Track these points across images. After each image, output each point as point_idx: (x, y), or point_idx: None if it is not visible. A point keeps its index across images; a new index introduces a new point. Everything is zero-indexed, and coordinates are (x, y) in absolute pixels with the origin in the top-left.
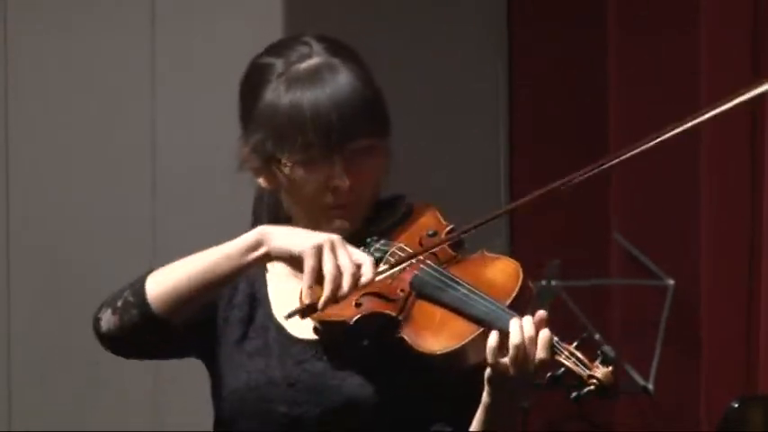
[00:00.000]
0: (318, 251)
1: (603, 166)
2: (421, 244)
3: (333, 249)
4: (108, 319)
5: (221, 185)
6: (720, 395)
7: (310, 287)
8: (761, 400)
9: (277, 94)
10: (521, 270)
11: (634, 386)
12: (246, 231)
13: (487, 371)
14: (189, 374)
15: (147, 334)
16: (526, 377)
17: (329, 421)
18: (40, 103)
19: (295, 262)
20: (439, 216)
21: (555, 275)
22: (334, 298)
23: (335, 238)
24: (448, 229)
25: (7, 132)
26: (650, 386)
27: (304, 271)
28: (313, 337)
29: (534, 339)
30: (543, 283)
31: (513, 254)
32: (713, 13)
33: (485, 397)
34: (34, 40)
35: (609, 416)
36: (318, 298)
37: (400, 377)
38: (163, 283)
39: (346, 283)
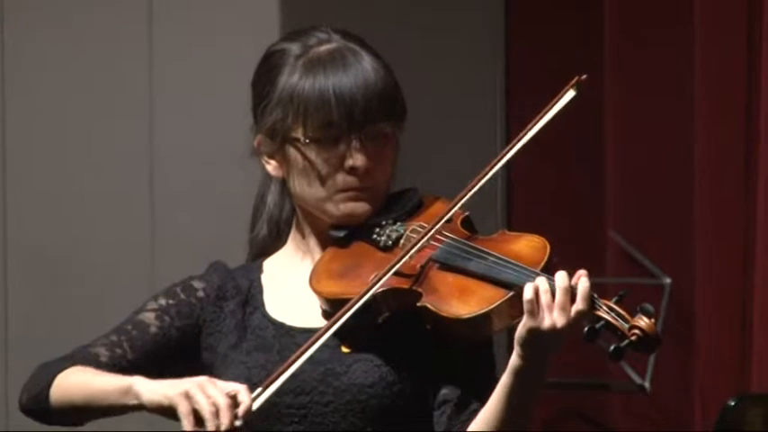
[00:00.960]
0: (187, 395)
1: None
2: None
3: (202, 389)
4: (24, 403)
5: (220, 185)
6: (716, 394)
7: (194, 429)
8: (757, 398)
9: (297, 76)
10: (547, 244)
11: (631, 385)
12: (245, 231)
13: (518, 331)
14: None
15: (56, 423)
16: (561, 332)
17: (337, 408)
18: (37, 104)
19: (169, 412)
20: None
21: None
22: None
23: (202, 379)
24: (464, 215)
25: (4, 132)
26: (647, 385)
27: (181, 418)
28: (317, 324)
29: (572, 290)
30: None
31: None
32: (709, 14)
33: (514, 360)
34: (31, 40)
35: (606, 414)
36: None
37: (413, 354)
38: (63, 396)
39: (225, 418)
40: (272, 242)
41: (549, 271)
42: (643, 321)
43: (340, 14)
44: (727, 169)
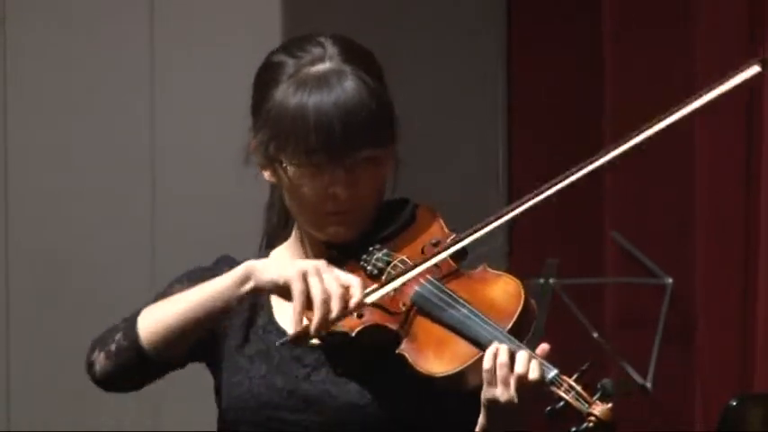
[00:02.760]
0: (304, 277)
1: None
2: (423, 253)
3: (318, 274)
4: (102, 364)
5: (220, 187)
6: (718, 394)
7: (300, 313)
8: (759, 398)
9: (285, 96)
10: (522, 290)
11: (632, 385)
12: (244, 232)
13: (483, 397)
14: (189, 374)
15: (144, 373)
16: (517, 407)
17: (332, 429)
18: (39, 104)
19: (283, 291)
20: (442, 224)
21: (553, 274)
22: (325, 322)
23: (320, 263)
24: (451, 238)
25: (6, 132)
26: (648, 385)
27: (293, 298)
28: (315, 343)
29: (524, 375)
30: (541, 281)
31: (511, 253)
32: (710, 13)
33: (480, 419)
34: (33, 40)
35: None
36: (310, 322)
37: (400, 390)
38: (154, 324)
39: (335, 307)
40: (282, 230)
41: (523, 319)
42: (598, 409)
43: (341, 15)
44: (728, 169)
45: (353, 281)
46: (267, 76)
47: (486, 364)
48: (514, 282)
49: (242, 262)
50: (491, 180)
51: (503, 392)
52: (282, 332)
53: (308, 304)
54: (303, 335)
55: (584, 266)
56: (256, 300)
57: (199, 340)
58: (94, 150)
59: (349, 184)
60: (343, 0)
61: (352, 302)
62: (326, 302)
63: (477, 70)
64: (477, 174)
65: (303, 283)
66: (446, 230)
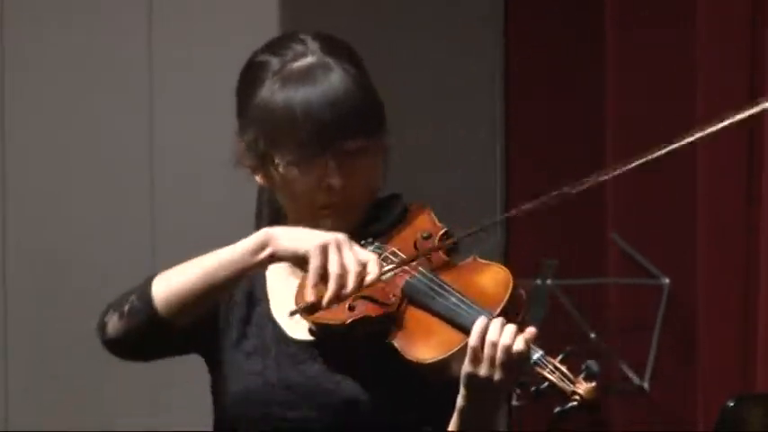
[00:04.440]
0: (324, 250)
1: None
2: (415, 247)
3: (338, 248)
4: (114, 324)
5: (220, 186)
6: (716, 394)
7: (314, 286)
8: (757, 398)
9: (270, 93)
10: (511, 278)
11: (630, 385)
12: (245, 232)
13: (463, 374)
14: (189, 374)
15: (153, 337)
16: (499, 384)
17: (328, 424)
18: (37, 103)
19: (300, 262)
20: (434, 218)
21: (550, 275)
22: (338, 296)
23: (341, 237)
24: (442, 231)
25: (4, 132)
26: (646, 385)
27: (309, 270)
28: (309, 338)
29: (510, 347)
30: (539, 282)
31: (509, 253)
32: (711, 13)
33: (459, 400)
34: (31, 39)
35: (605, 415)
36: (322, 297)
37: (393, 381)
38: (169, 286)
39: (351, 282)
40: None
41: (511, 306)
42: (583, 387)
43: (339, 15)
44: (729, 169)
45: (371, 258)
46: (251, 76)
47: (473, 341)
48: (503, 270)
49: None
50: (490, 180)
51: (485, 368)
52: (277, 327)
53: (323, 277)
54: (313, 307)
55: (584, 267)
56: (254, 291)
57: (203, 329)
58: (94, 150)
59: (342, 174)
60: (342, 0)
61: (368, 279)
62: (342, 278)
63: (477, 70)
64: (476, 174)
65: (322, 257)
66: (437, 224)
